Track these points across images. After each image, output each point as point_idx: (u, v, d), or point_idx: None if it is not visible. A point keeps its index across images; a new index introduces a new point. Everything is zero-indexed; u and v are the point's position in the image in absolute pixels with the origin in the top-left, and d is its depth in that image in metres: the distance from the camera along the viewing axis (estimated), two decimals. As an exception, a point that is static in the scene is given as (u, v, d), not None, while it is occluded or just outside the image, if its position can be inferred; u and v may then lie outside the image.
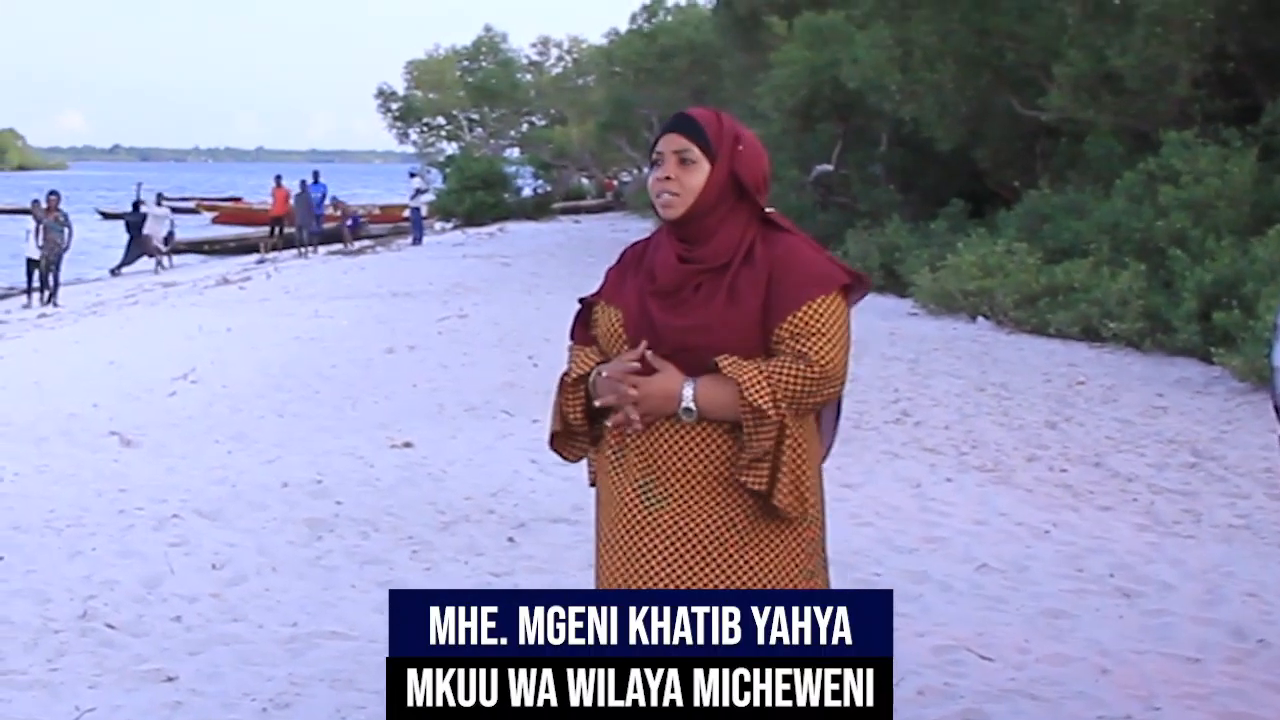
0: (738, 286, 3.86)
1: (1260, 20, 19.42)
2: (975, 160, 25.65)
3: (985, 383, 14.36)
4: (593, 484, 4.18)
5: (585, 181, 73.64)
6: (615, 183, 70.55)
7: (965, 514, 9.21)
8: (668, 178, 3.91)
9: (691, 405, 3.81)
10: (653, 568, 3.86)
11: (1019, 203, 22.43)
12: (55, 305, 29.36)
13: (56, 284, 30.79)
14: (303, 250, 41.57)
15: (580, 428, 4.09)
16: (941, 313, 20.46)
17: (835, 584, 4.09)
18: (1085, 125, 21.94)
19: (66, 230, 31.11)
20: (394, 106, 71.04)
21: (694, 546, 3.84)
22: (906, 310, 21.27)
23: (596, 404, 3.96)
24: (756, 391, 3.74)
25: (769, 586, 3.82)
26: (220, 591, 7.72)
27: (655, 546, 3.87)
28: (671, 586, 3.82)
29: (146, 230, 40.29)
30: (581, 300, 4.18)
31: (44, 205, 30.97)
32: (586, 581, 7.48)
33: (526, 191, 64.04)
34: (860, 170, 29.36)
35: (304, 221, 41.97)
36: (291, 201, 42.67)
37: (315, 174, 43.74)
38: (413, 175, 48.76)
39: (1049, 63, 21.71)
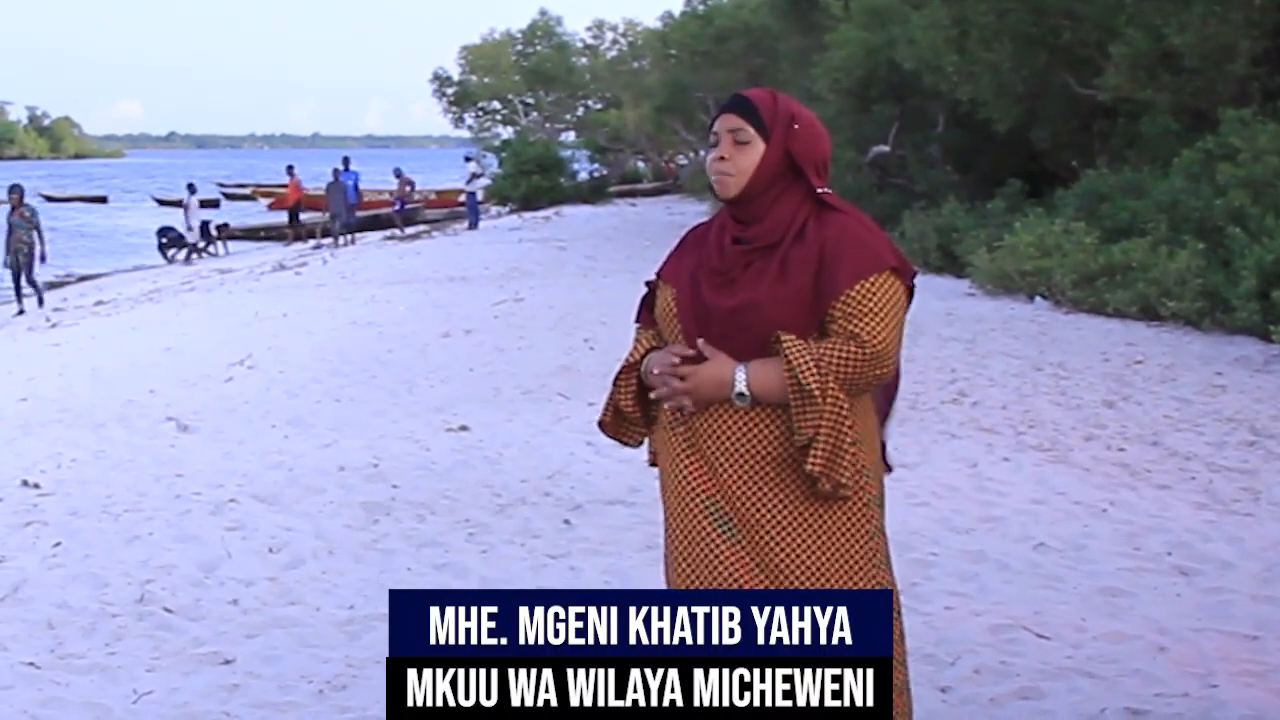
0: (788, 264, 3.85)
1: (1320, -4, 19.25)
2: (1032, 140, 25.50)
3: (1043, 362, 14.28)
4: (652, 464, 4.19)
5: (641, 165, 73.53)
6: (675, 166, 70.45)
7: (1022, 493, 9.16)
8: (722, 157, 3.94)
9: (745, 390, 3.82)
10: (717, 554, 3.86)
11: (1076, 182, 22.27)
12: (41, 307, 27.02)
13: (36, 287, 27.81)
14: (336, 241, 41.05)
15: (633, 414, 4.11)
16: (999, 293, 20.35)
17: (892, 563, 4.07)
18: (1143, 104, 21.79)
19: (35, 232, 27.20)
20: (449, 91, 71.26)
21: (755, 530, 3.84)
22: (964, 290, 21.16)
23: (651, 396, 3.98)
24: (806, 374, 3.73)
25: (833, 570, 3.82)
26: (277, 575, 7.76)
27: (718, 531, 3.87)
28: (738, 571, 3.82)
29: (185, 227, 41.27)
30: (647, 283, 4.21)
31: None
32: (643, 562, 7.55)
33: (582, 175, 64.01)
34: (917, 151, 29.28)
35: (336, 210, 41.38)
36: (324, 190, 42.56)
37: (345, 160, 42.89)
38: (468, 160, 48.72)
39: (1106, 42, 21.54)
